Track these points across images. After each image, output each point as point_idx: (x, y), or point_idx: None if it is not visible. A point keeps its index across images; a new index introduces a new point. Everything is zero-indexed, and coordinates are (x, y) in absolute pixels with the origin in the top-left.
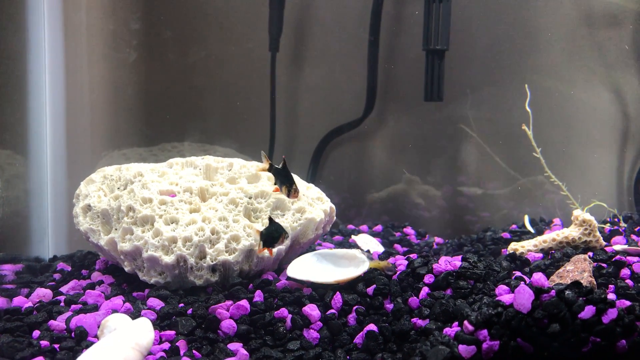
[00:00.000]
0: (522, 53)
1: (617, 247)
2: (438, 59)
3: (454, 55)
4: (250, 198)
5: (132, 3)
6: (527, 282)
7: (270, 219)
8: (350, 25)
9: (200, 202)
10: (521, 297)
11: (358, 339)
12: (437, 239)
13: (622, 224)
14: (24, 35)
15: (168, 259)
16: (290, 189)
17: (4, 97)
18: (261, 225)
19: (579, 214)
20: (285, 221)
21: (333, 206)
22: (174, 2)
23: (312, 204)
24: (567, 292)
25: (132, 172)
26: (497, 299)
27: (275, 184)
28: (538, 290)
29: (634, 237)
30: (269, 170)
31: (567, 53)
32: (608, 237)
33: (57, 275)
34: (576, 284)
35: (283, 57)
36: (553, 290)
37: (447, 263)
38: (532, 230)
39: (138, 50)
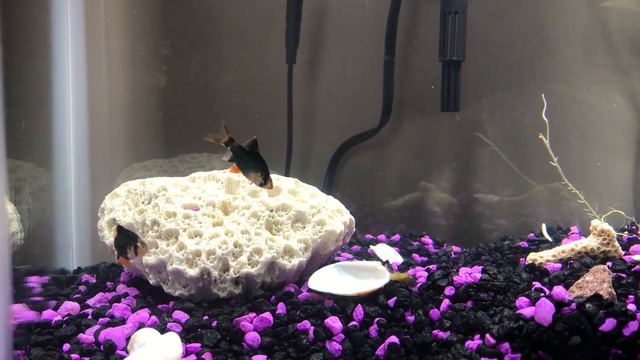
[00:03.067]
0: (538, 60)
1: (636, 257)
2: (454, 69)
3: (470, 63)
4: (271, 211)
5: (151, 22)
6: (547, 294)
7: (119, 227)
8: (367, 34)
9: (222, 215)
10: (542, 311)
11: (380, 350)
12: (455, 248)
13: None
14: (49, 55)
15: (192, 272)
16: (265, 177)
17: (31, 113)
18: (282, 237)
19: (598, 224)
20: (306, 233)
21: (352, 218)
22: (192, 18)
23: (332, 216)
24: (587, 305)
25: (156, 187)
26: (518, 312)
27: (236, 163)
28: (559, 304)
29: None
30: (227, 144)
31: (582, 60)
32: (626, 246)
33: (82, 287)
34: (597, 297)
35: (300, 68)
36: (574, 304)
37: (467, 275)
38: (550, 239)
39: (157, 66)
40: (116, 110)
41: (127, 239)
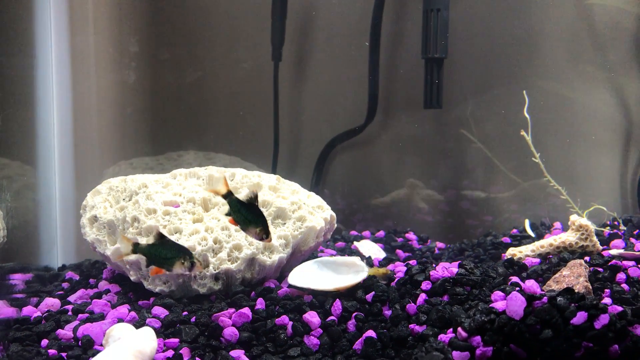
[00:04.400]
0: (523, 57)
1: (613, 252)
2: (436, 67)
3: (455, 60)
4: None
5: (137, 17)
6: (522, 287)
7: (160, 235)
8: (353, 31)
9: (203, 212)
10: (514, 304)
11: (357, 345)
12: (439, 244)
13: (622, 227)
14: (32, 51)
15: None
16: (266, 232)
17: (14, 111)
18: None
19: (576, 219)
20: (287, 230)
21: (333, 214)
22: (178, 16)
23: (313, 212)
24: (559, 298)
25: (137, 184)
26: (490, 305)
27: (234, 217)
28: (530, 297)
29: (633, 240)
30: (224, 197)
31: (568, 56)
32: (607, 241)
33: (65, 285)
34: (568, 291)
35: (286, 66)
36: (545, 297)
37: (445, 269)
38: (533, 235)
39: (143, 64)
40: (102, 107)
41: (177, 252)
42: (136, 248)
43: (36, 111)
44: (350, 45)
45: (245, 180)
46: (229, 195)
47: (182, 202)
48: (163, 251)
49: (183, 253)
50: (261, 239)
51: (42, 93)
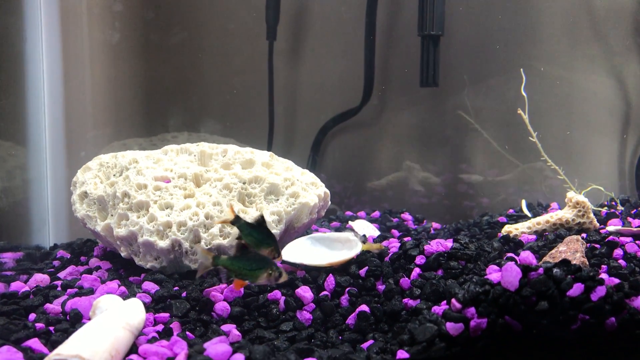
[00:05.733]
0: (523, 40)
1: (611, 228)
2: (433, 44)
3: (453, 42)
4: (244, 183)
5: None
6: (517, 260)
7: (241, 245)
8: (349, 12)
9: (194, 187)
10: (509, 275)
11: (350, 319)
12: (435, 225)
13: (619, 207)
14: (22, 28)
15: (163, 243)
16: (277, 251)
17: (3, 90)
18: (255, 209)
19: (573, 195)
20: (279, 206)
21: (327, 191)
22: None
23: (306, 188)
24: (555, 270)
25: (128, 159)
26: (485, 277)
27: (246, 241)
28: (526, 268)
29: (630, 220)
30: (233, 223)
31: (567, 39)
32: (604, 220)
33: (56, 263)
34: (565, 262)
35: (281, 46)
36: (541, 268)
37: (439, 244)
38: (530, 215)
39: (139, 40)
40: (96, 88)
41: (261, 263)
42: (218, 261)
43: (26, 88)
44: (347, 25)
45: (237, 156)
46: (237, 221)
47: (173, 178)
48: (246, 263)
49: (267, 264)
50: (273, 258)
51: (32, 68)
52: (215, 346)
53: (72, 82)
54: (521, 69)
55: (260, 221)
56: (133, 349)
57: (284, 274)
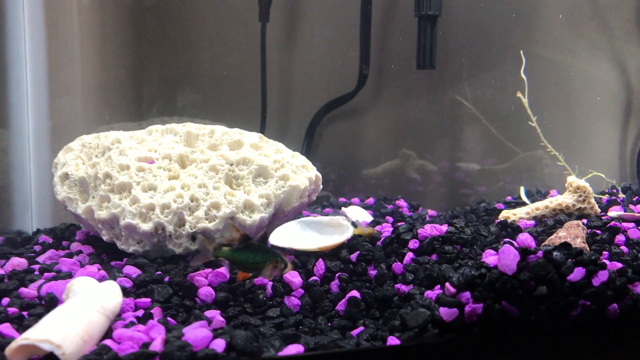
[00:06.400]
0: (523, 25)
1: (612, 214)
2: (430, 25)
3: (451, 26)
4: (231, 165)
5: None
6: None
7: (245, 238)
8: None
9: (179, 169)
10: (506, 258)
11: (340, 305)
12: (431, 212)
13: (621, 195)
14: (1, 3)
15: (145, 226)
16: (284, 263)
17: None
18: (243, 192)
19: (573, 180)
20: (268, 188)
21: (319, 174)
22: None
23: (297, 171)
24: (555, 253)
25: (110, 139)
26: (481, 260)
27: (242, 269)
28: (524, 251)
29: (632, 207)
30: (217, 255)
31: (568, 24)
32: (605, 208)
33: (37, 247)
34: (565, 246)
35: (275, 30)
36: (540, 251)
37: (433, 228)
38: (528, 202)
39: (128, 23)
40: (83, 71)
41: (266, 255)
42: (219, 252)
43: (7, 71)
44: (342, 8)
45: (225, 137)
46: (219, 249)
47: (157, 159)
48: (250, 255)
49: (272, 256)
50: (282, 270)
51: (14, 50)
52: (195, 331)
53: (57, 64)
54: (521, 51)
55: (243, 240)
56: (108, 333)
57: (289, 265)
